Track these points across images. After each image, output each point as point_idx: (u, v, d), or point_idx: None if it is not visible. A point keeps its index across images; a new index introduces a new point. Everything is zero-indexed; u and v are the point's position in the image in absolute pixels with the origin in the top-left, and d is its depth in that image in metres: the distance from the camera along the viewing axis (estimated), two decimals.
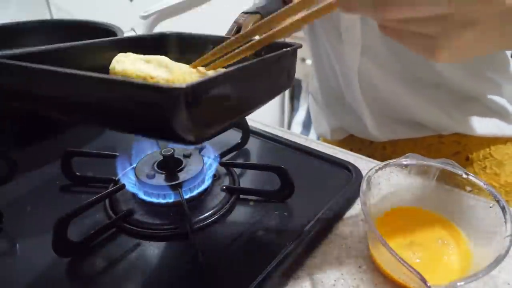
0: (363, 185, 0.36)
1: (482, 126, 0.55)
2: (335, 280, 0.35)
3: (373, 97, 0.57)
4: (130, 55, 0.36)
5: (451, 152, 0.58)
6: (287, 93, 1.88)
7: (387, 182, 0.40)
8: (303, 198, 0.43)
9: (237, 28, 0.44)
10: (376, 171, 0.39)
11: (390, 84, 0.55)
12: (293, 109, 1.94)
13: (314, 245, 0.39)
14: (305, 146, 0.53)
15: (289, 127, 1.93)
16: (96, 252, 0.37)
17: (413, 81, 0.54)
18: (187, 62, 0.37)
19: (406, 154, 0.40)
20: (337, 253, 0.38)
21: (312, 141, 0.57)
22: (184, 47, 0.44)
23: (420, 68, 0.53)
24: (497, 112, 0.55)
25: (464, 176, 0.38)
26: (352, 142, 0.67)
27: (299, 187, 0.43)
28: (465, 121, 0.55)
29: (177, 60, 0.37)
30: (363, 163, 0.50)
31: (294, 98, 1.91)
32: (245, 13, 0.46)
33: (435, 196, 0.40)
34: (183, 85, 0.23)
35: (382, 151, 0.63)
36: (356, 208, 0.44)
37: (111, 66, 0.35)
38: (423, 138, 0.59)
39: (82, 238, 0.37)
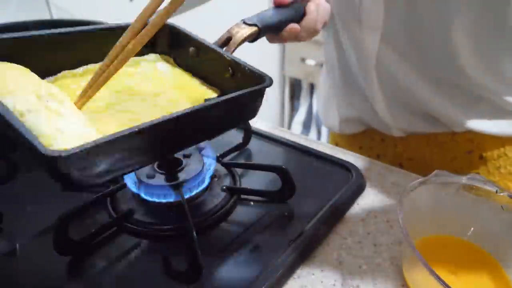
0: (402, 201, 0.34)
1: (497, 125, 0.55)
2: (335, 280, 0.35)
3: (389, 85, 0.56)
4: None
5: (464, 150, 0.58)
6: (287, 93, 1.88)
7: (425, 203, 0.38)
8: (303, 198, 0.44)
9: (228, 37, 0.43)
10: (414, 188, 0.37)
11: (407, 74, 0.54)
12: (293, 109, 1.93)
13: (314, 245, 0.39)
14: (305, 146, 0.53)
15: (289, 127, 1.93)
16: (97, 251, 0.37)
17: (431, 77, 0.54)
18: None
19: (434, 172, 0.38)
20: (337, 253, 0.38)
21: (312, 141, 0.57)
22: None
23: (441, 66, 0.52)
24: None
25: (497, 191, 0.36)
26: (362, 138, 0.66)
27: (299, 187, 0.43)
28: (479, 120, 0.55)
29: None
30: (363, 163, 0.51)
31: (294, 98, 1.91)
32: (244, 23, 0.45)
33: (469, 222, 0.38)
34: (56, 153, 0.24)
35: (394, 149, 0.63)
36: (356, 208, 0.44)
37: None
38: (435, 135, 0.58)
39: (83, 236, 0.37)
